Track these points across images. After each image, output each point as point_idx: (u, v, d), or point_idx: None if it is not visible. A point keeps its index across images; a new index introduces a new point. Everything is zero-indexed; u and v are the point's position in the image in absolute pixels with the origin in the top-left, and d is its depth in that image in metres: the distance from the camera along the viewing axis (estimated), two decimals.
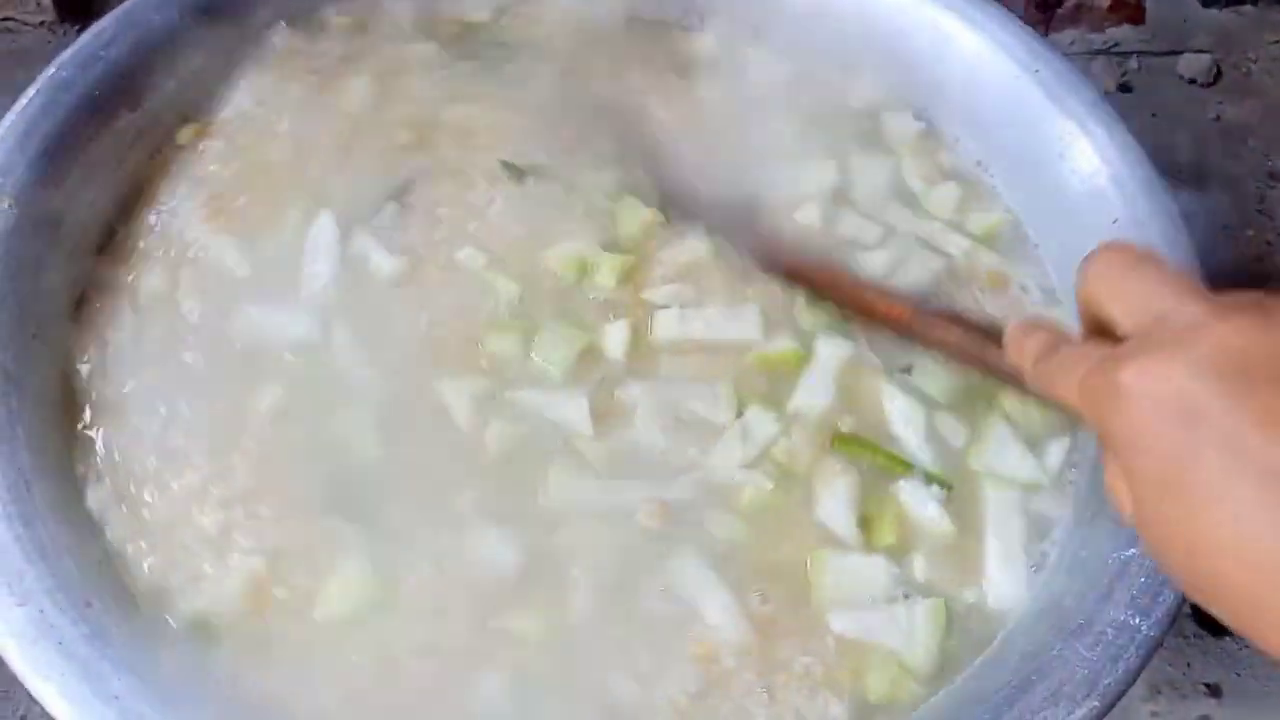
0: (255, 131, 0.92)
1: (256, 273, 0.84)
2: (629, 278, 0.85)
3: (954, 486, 0.77)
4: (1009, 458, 0.79)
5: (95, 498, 0.75)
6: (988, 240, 0.91)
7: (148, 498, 0.75)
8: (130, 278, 0.84)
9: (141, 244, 0.86)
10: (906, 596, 0.73)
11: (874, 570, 0.74)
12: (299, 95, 0.94)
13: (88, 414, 0.78)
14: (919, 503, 0.77)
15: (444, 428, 0.77)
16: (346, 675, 0.69)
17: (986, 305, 0.88)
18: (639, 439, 0.78)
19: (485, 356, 0.80)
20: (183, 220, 0.87)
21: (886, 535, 0.76)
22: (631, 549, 0.73)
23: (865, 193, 0.93)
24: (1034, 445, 0.80)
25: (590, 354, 0.81)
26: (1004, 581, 0.75)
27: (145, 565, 0.73)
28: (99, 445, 0.77)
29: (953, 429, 0.80)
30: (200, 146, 0.91)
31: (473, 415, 0.77)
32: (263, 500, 0.75)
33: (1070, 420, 0.80)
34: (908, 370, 0.82)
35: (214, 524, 0.74)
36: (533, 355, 0.80)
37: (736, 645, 0.71)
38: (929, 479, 0.77)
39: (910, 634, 0.72)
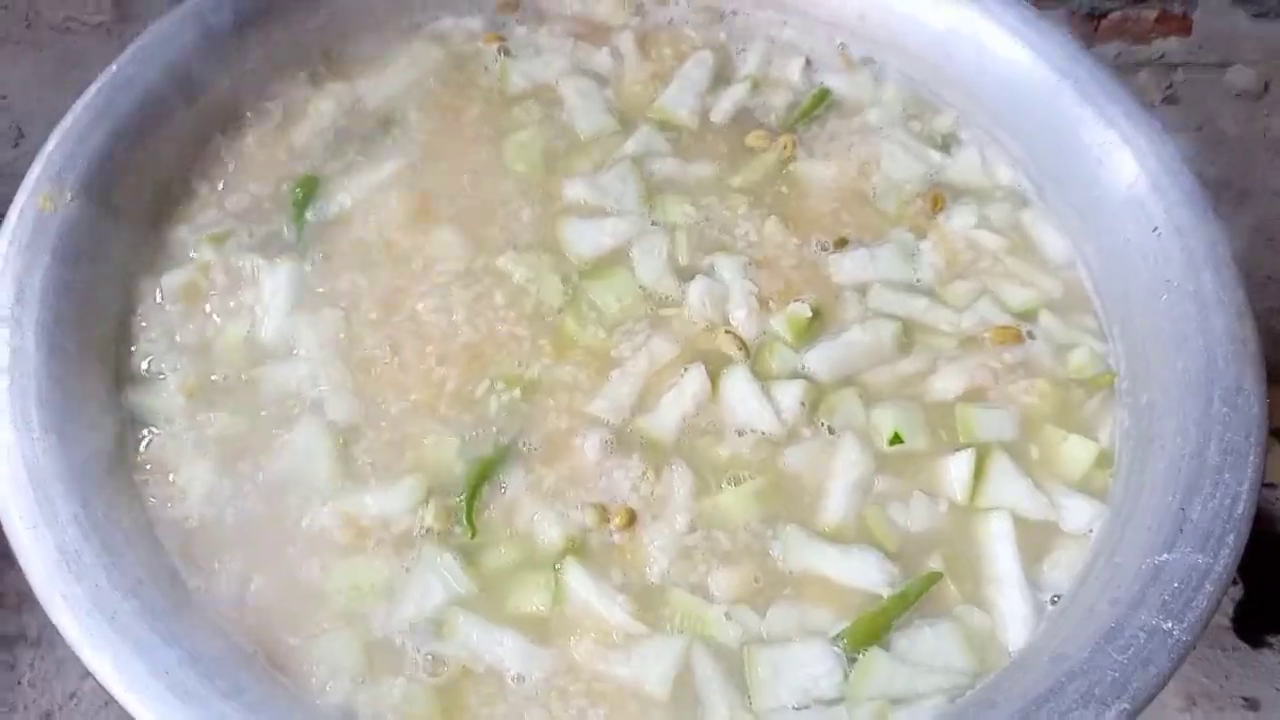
0: None
1: None
2: None
3: None
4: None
5: (145, 479, 0.77)
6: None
7: (197, 488, 0.77)
8: (181, 269, 0.86)
9: (191, 234, 0.88)
10: None
11: None
12: None
13: (139, 403, 0.81)
14: None
15: None
16: None
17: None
18: None
19: None
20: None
21: None
22: None
23: None
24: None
25: None
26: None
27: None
28: (151, 426, 0.80)
29: None
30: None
31: None
32: None
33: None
34: None
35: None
36: None
37: None
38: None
39: None
